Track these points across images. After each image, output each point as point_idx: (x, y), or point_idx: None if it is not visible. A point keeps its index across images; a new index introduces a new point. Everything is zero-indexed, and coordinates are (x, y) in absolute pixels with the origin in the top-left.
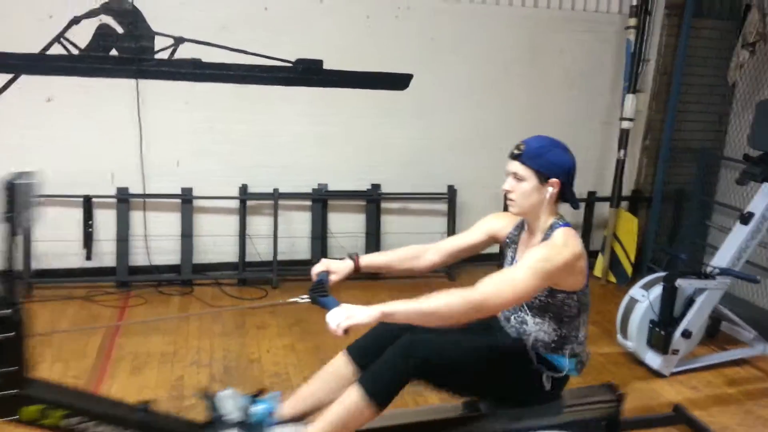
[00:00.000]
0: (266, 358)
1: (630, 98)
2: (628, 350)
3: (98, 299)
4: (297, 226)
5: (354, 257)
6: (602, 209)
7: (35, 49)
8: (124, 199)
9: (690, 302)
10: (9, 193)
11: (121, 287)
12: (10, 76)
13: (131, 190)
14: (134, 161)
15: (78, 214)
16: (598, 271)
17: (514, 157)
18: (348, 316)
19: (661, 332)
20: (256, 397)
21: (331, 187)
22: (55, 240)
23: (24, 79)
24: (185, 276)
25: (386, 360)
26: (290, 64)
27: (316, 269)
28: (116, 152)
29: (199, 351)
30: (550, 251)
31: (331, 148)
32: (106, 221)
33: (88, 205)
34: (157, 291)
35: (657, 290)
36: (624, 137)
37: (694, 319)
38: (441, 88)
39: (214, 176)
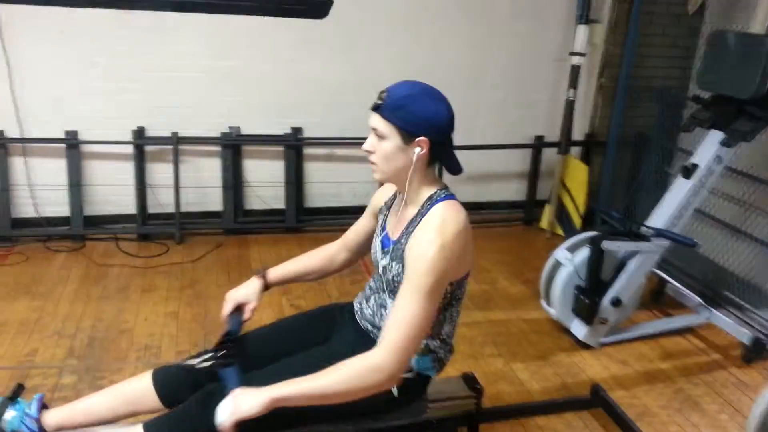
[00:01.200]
0: (141, 327)
1: (582, 30)
2: (552, 318)
3: None
4: (206, 174)
5: (262, 273)
6: (551, 155)
7: None
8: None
9: (621, 266)
10: None
11: (3, 242)
12: None
13: (7, 134)
14: (5, 101)
15: None
16: (544, 223)
17: (374, 108)
18: (233, 411)
19: (586, 300)
20: (12, 398)
21: (245, 131)
22: None
23: None
24: (76, 230)
25: (184, 409)
26: None
27: (226, 310)
28: None
29: (67, 319)
30: (429, 258)
31: (244, 87)
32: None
33: None
34: (44, 246)
35: (584, 253)
36: (574, 75)
37: (626, 285)
38: (371, 19)
39: (103, 118)
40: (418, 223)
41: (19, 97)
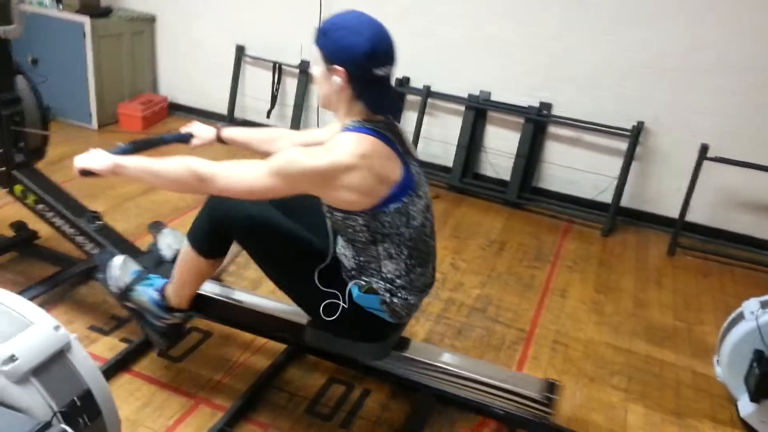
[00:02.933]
0: None
1: None
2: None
3: None
4: (451, 131)
5: (218, 127)
6: None
7: None
8: (305, 71)
9: None
10: None
11: None
12: None
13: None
14: None
15: (269, 76)
16: None
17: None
18: (85, 160)
19: (757, 370)
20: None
21: (495, 98)
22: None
23: None
24: None
25: (203, 210)
26: None
27: (183, 129)
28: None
29: None
30: (303, 154)
31: (504, 55)
32: (290, 87)
33: (278, 70)
34: None
35: None
36: None
37: None
38: None
39: None
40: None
41: None
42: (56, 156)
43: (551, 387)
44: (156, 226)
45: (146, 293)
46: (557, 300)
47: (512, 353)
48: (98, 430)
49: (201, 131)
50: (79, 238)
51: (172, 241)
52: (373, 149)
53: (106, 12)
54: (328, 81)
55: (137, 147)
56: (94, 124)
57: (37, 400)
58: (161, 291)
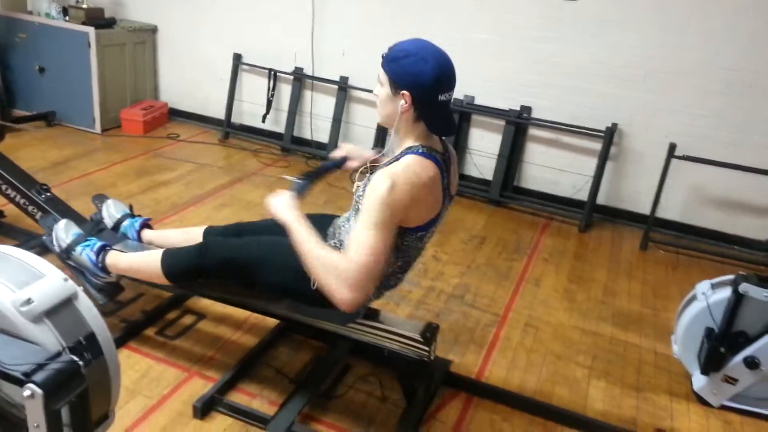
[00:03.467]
0: None
1: None
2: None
3: (261, 154)
4: None
5: (378, 151)
6: None
7: None
8: (298, 78)
9: None
10: None
11: (283, 152)
12: None
13: (305, 71)
14: (307, 47)
15: (264, 83)
16: None
17: (382, 57)
18: (275, 207)
19: (708, 345)
20: (131, 212)
21: (479, 102)
22: (249, 101)
23: None
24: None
25: (189, 250)
26: None
27: (335, 154)
28: (297, 36)
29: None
30: (377, 194)
31: (488, 59)
32: (284, 93)
33: (273, 77)
34: (305, 162)
35: (725, 293)
36: None
37: None
38: (623, 2)
39: (370, 68)
40: (390, 164)
41: (316, 44)
42: (62, 158)
43: (432, 328)
44: (100, 198)
45: (85, 253)
46: (531, 288)
47: (485, 334)
48: (100, 368)
49: (353, 151)
50: (30, 208)
51: (114, 211)
52: (432, 174)
53: (110, 23)
54: (393, 103)
55: (312, 179)
56: (98, 128)
57: (49, 337)
58: (99, 253)
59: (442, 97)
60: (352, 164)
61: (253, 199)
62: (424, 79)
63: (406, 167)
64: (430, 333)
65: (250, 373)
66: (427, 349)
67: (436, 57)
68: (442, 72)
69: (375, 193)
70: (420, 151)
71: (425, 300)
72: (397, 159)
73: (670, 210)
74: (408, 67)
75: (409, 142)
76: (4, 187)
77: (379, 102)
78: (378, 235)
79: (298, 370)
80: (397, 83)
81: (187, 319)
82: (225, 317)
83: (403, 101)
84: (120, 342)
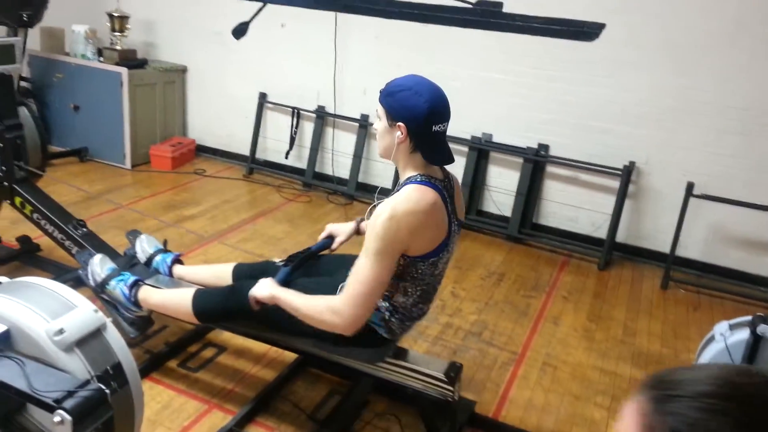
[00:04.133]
0: None
1: None
2: None
3: (284, 190)
4: (455, 170)
5: (359, 221)
6: None
7: None
8: (321, 115)
9: None
10: None
11: (305, 187)
12: (258, 5)
13: (327, 109)
14: (329, 84)
15: (288, 120)
16: None
17: (379, 93)
18: (259, 292)
19: None
20: (164, 248)
21: (497, 139)
22: (273, 138)
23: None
24: (349, 191)
25: (219, 293)
26: (470, 5)
27: (321, 235)
28: (319, 75)
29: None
30: (377, 226)
31: (502, 98)
32: (306, 130)
33: (296, 114)
34: (327, 198)
35: (743, 334)
36: None
37: None
38: (637, 43)
39: None
40: (392, 196)
41: (338, 83)
42: (95, 191)
43: (456, 368)
44: (134, 233)
45: (119, 288)
46: (550, 326)
47: (503, 372)
48: (125, 396)
49: (339, 229)
50: (67, 243)
51: (147, 246)
52: (432, 200)
53: (142, 63)
54: (390, 135)
55: (295, 266)
56: (128, 164)
57: (78, 366)
58: (132, 288)
59: (436, 128)
60: (338, 240)
61: (276, 234)
62: (418, 112)
63: (406, 196)
64: (454, 372)
65: (269, 406)
66: (451, 389)
67: (430, 91)
68: (436, 104)
69: (374, 224)
70: (418, 179)
71: (442, 336)
72: (397, 191)
73: (690, 248)
74: (403, 100)
75: (409, 173)
76: (43, 222)
77: (378, 135)
78: (374, 264)
79: (315, 405)
80: (393, 116)
81: (209, 352)
82: (245, 350)
83: (399, 133)
84: (144, 373)
